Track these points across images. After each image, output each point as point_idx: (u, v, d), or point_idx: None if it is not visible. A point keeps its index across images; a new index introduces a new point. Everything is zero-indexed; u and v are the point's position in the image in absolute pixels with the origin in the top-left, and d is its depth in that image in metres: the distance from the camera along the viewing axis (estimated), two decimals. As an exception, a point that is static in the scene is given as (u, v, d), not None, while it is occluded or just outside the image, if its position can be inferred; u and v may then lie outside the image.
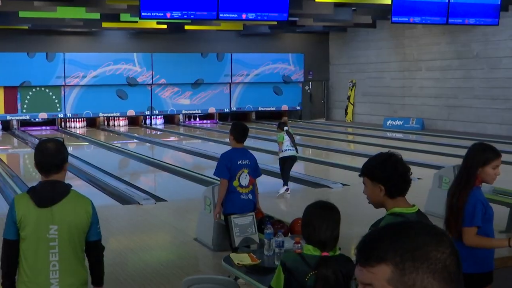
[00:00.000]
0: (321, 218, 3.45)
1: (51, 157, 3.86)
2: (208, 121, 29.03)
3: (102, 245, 4.08)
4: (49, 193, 3.83)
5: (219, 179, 7.08)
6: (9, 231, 3.85)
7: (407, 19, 16.36)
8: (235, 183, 6.87)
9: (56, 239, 3.80)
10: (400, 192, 3.37)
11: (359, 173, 3.58)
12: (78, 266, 3.91)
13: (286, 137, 11.47)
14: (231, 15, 14.43)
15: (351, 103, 28.72)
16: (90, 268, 4.07)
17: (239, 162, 6.88)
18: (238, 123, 7.36)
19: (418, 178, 12.73)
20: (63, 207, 3.82)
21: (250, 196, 6.97)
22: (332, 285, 3.23)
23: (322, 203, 3.57)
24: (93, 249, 4.00)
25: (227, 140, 18.59)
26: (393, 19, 16.29)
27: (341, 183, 12.67)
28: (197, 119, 29.17)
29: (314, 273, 3.31)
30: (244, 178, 6.90)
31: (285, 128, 11.57)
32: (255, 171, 7.06)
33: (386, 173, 3.35)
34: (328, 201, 3.62)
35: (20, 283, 3.88)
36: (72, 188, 3.93)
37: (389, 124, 25.41)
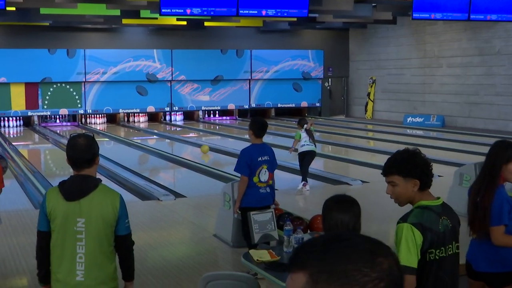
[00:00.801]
0: (343, 212, 3.44)
1: (82, 152, 3.95)
2: (228, 118, 29.05)
3: (132, 240, 4.12)
4: (77, 187, 3.91)
5: (239, 174, 7.09)
6: (41, 223, 3.98)
7: (428, 15, 16.25)
8: (255, 179, 6.89)
9: (83, 232, 3.88)
10: (429, 183, 3.49)
11: (382, 172, 3.63)
12: (104, 259, 3.95)
13: (304, 135, 11.47)
14: (251, 12, 14.42)
15: (371, 100, 28.60)
16: (120, 262, 4.12)
17: (259, 159, 6.89)
18: (257, 118, 7.40)
19: (439, 176, 12.65)
20: (91, 201, 3.89)
21: (268, 190, 7.00)
22: None
23: (342, 197, 3.56)
24: (122, 243, 4.04)
25: (247, 136, 18.62)
26: (413, 15, 16.18)
27: (361, 180, 12.63)
28: (217, 115, 29.19)
29: None
30: (263, 174, 6.92)
31: (305, 126, 11.55)
32: (273, 165, 7.07)
33: (420, 167, 3.45)
34: (347, 195, 3.61)
35: (51, 273, 3.99)
36: (101, 183, 3.99)
37: (409, 121, 25.27)
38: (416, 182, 3.45)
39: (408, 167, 3.46)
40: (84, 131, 23.19)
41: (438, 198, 3.57)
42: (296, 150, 11.75)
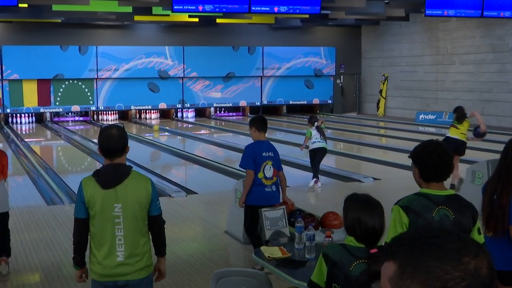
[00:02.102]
0: (369, 214, 3.41)
1: (115, 142, 4.24)
2: (235, 114, 29.00)
3: (163, 220, 4.44)
4: (112, 175, 4.21)
5: (244, 170, 7.07)
6: (79, 210, 4.27)
7: (441, 12, 16.17)
8: (260, 174, 6.87)
9: (120, 216, 4.19)
10: (434, 177, 3.65)
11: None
12: (141, 239, 4.28)
13: (315, 132, 11.45)
14: (263, 8, 14.41)
15: (383, 97, 28.51)
16: (153, 240, 4.43)
17: (264, 154, 6.90)
18: (255, 116, 7.43)
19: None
20: (126, 187, 4.19)
21: (273, 188, 6.97)
22: None
23: (366, 198, 3.54)
24: (154, 223, 4.36)
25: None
26: (426, 12, 16.11)
27: (372, 177, 12.58)
28: (222, 111, 29.09)
29: (359, 263, 3.32)
30: (268, 170, 6.90)
31: (316, 123, 11.54)
32: (278, 163, 7.05)
33: (421, 158, 3.69)
34: (368, 194, 3.59)
35: (91, 256, 4.29)
36: (132, 169, 4.27)
37: (422, 118, 25.17)
38: (417, 170, 3.70)
39: (414, 155, 3.74)
40: (94, 125, 23.23)
41: (448, 190, 3.71)
42: (307, 147, 11.74)
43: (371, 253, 3.34)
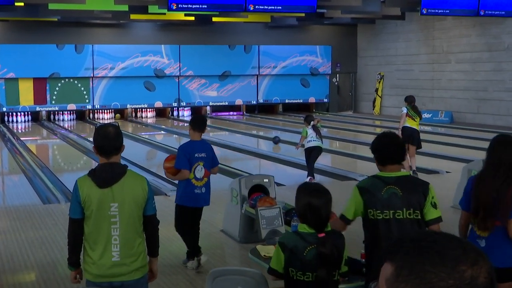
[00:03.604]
0: (319, 201, 3.69)
1: (112, 140, 4.22)
2: (231, 113, 28.98)
3: (157, 219, 4.43)
4: (108, 174, 4.17)
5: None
6: (74, 211, 4.23)
7: (437, 11, 16.18)
8: (191, 175, 6.93)
9: (117, 215, 4.16)
10: (389, 160, 4.14)
11: None
12: (137, 239, 4.25)
13: (311, 131, 11.47)
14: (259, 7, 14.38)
15: (379, 96, 28.53)
16: (147, 240, 4.40)
17: (196, 155, 6.95)
18: (194, 115, 7.52)
19: (447, 172, 12.64)
20: (122, 186, 4.17)
21: (203, 190, 7.04)
22: (330, 260, 3.64)
23: (316, 186, 3.88)
24: (149, 222, 4.34)
25: (254, 132, 18.51)
26: (422, 11, 16.12)
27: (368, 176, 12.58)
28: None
29: (312, 248, 3.64)
30: (199, 171, 6.96)
31: (312, 122, 11.55)
32: (211, 163, 7.09)
33: (376, 145, 4.24)
34: (318, 183, 3.95)
35: (86, 256, 4.25)
36: (128, 168, 4.26)
37: (418, 117, 25.15)
38: (375, 157, 4.22)
39: (371, 145, 4.29)
40: (89, 124, 23.17)
41: (402, 172, 4.18)
42: (302, 146, 11.76)
43: (319, 237, 3.64)
